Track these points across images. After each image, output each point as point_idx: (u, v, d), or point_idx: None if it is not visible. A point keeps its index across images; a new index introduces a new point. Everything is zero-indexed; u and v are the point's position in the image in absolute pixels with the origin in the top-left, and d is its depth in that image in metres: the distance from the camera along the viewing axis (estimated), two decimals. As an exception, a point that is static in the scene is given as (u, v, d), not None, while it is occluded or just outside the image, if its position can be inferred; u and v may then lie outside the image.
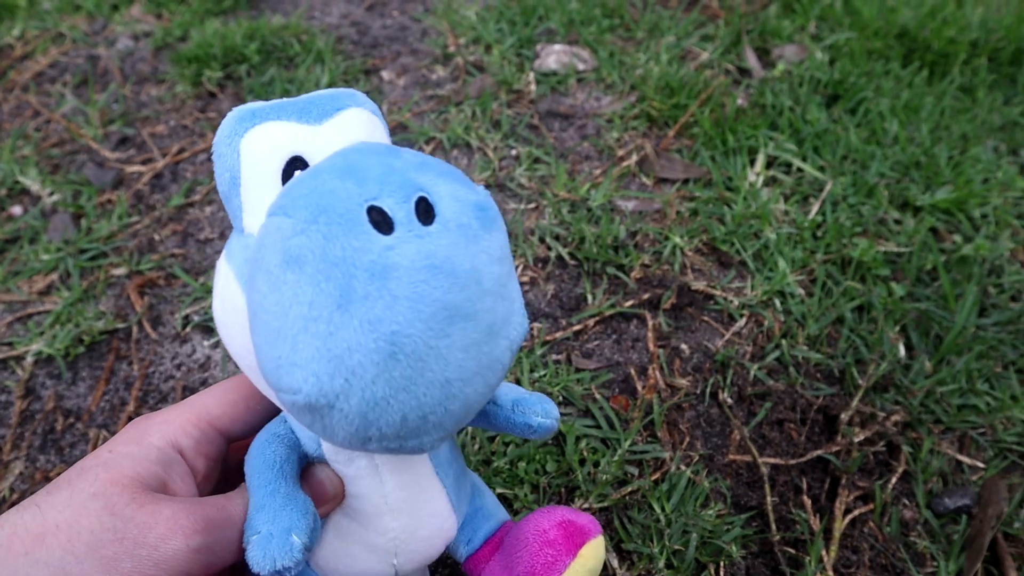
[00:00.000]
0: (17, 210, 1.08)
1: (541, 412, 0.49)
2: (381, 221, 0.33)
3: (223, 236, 1.03)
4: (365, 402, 0.32)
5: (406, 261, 0.33)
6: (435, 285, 0.33)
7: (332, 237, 0.32)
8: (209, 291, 0.94)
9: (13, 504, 0.75)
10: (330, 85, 1.26)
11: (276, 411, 0.46)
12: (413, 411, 0.34)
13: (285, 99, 0.41)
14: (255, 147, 0.39)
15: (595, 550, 0.49)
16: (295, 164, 0.39)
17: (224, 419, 0.44)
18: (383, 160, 0.36)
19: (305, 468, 0.44)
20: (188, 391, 0.85)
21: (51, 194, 1.10)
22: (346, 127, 0.41)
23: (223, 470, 0.46)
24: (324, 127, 0.40)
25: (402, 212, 0.34)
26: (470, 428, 0.77)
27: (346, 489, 0.45)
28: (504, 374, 0.39)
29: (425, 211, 0.34)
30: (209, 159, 1.15)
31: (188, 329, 0.91)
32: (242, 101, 1.24)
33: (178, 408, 0.44)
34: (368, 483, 0.44)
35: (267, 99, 0.42)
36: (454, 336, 0.34)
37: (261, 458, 0.42)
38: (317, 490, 0.43)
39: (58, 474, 0.78)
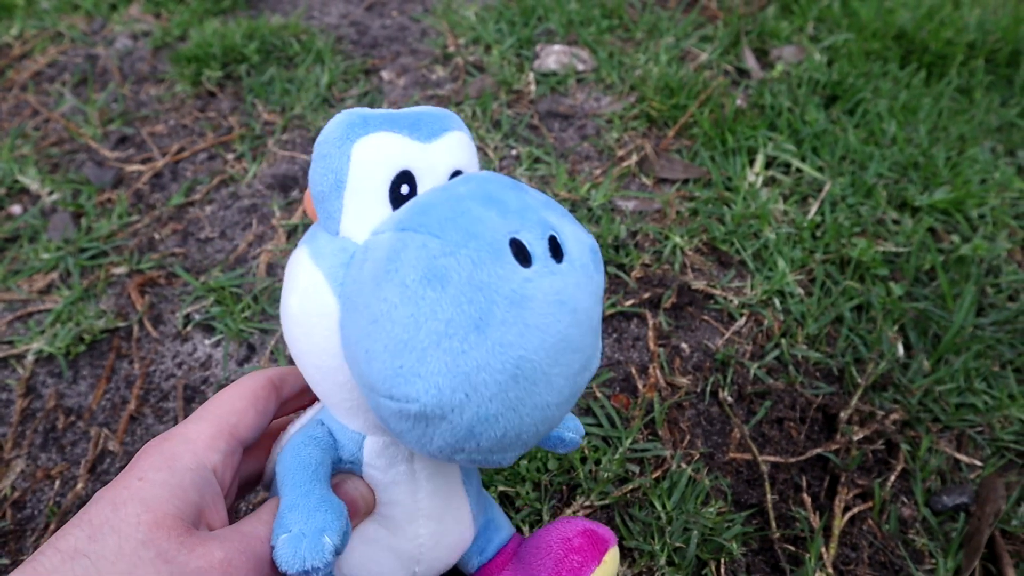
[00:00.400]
0: (17, 209, 1.08)
1: (572, 428, 0.52)
2: (520, 254, 0.35)
3: (223, 235, 1.03)
4: (477, 417, 0.34)
5: (540, 294, 0.35)
6: (560, 319, 0.36)
7: (480, 263, 0.34)
8: (210, 290, 0.94)
9: (15, 503, 0.76)
10: (330, 85, 1.26)
11: (275, 415, 0.47)
12: (513, 429, 0.36)
13: (394, 111, 0.41)
14: (367, 155, 0.39)
15: (615, 557, 0.52)
16: (403, 178, 0.40)
17: (241, 427, 0.44)
18: (519, 195, 0.38)
19: (337, 483, 0.44)
20: (189, 389, 0.85)
21: (51, 193, 1.10)
22: (452, 148, 0.42)
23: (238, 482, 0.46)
24: (433, 146, 0.41)
25: (539, 248, 0.36)
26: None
27: (380, 496, 0.45)
28: (577, 400, 0.41)
29: (555, 249, 0.37)
30: (210, 158, 1.15)
31: (189, 328, 0.91)
32: (242, 100, 1.24)
33: (197, 423, 0.43)
34: (404, 489, 0.45)
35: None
36: (563, 365, 0.36)
37: (296, 460, 0.42)
38: (350, 506, 0.43)
39: (59, 473, 0.78)
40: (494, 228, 0.35)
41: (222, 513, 0.41)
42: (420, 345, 0.33)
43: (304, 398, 0.49)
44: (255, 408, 0.45)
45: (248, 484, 0.49)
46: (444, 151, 0.41)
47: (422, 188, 0.40)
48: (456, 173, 0.42)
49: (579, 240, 0.38)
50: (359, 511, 0.44)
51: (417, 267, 0.34)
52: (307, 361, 0.41)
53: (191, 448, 0.41)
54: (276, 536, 0.38)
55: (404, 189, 0.40)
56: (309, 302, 0.40)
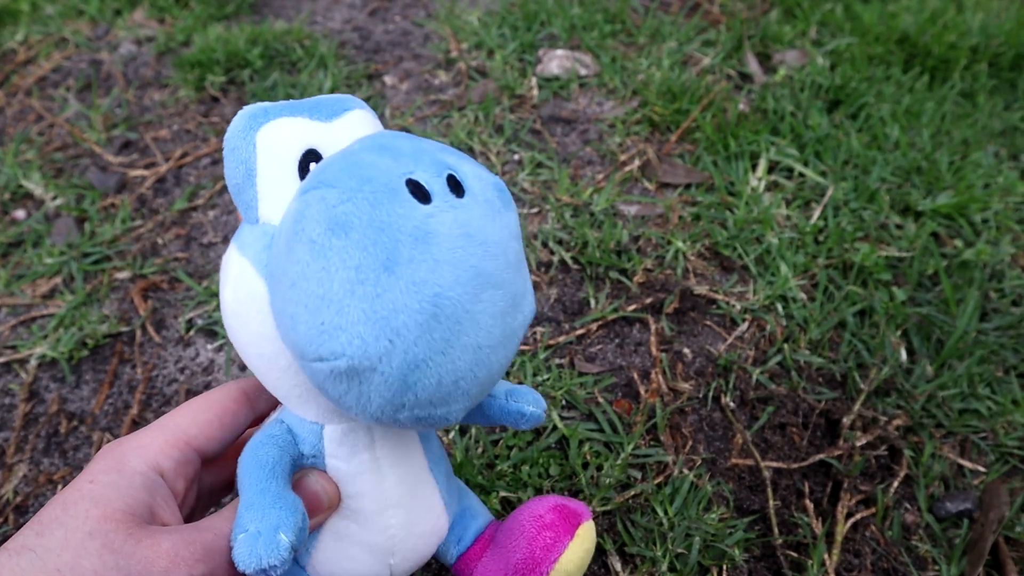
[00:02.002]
0: (21, 214, 1.08)
1: (532, 402, 0.51)
2: (418, 192, 0.35)
3: (226, 240, 1.03)
4: (406, 364, 0.34)
5: (445, 228, 0.35)
6: (471, 252, 0.35)
7: (378, 204, 0.34)
8: (213, 295, 0.94)
9: (17, 507, 0.76)
10: (333, 90, 1.26)
11: (247, 427, 0.47)
12: (448, 375, 0.35)
13: (292, 100, 0.42)
14: (272, 140, 0.40)
15: (590, 531, 0.51)
16: (310, 156, 0.41)
17: (200, 438, 0.44)
18: (412, 142, 0.38)
19: (298, 479, 0.44)
20: (192, 394, 0.85)
21: (54, 198, 1.10)
22: (354, 125, 0.43)
23: (197, 490, 0.46)
24: (335, 124, 0.42)
25: (437, 185, 0.36)
26: (473, 431, 0.78)
27: (346, 489, 0.45)
28: (517, 348, 0.41)
29: (455, 186, 0.37)
30: (213, 163, 1.15)
31: (192, 332, 0.92)
32: (245, 105, 1.24)
33: (153, 431, 0.43)
34: (369, 479, 0.45)
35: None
36: (485, 303, 0.36)
37: (253, 458, 0.42)
38: (312, 500, 0.43)
39: (62, 477, 0.79)
40: (388, 171, 0.35)
41: (176, 514, 0.41)
42: (336, 297, 0.33)
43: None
44: (221, 421, 0.45)
45: (216, 493, 0.50)
46: (347, 128, 0.42)
47: None
48: None
49: (480, 177, 0.38)
50: (322, 505, 0.44)
51: (319, 220, 0.34)
52: (249, 352, 0.42)
53: (142, 453, 0.41)
54: (235, 536, 0.38)
55: (312, 168, 0.40)
56: (240, 290, 0.40)
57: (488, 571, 0.52)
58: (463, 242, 0.35)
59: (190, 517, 0.45)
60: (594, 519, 0.72)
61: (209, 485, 0.48)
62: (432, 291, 0.34)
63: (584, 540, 0.50)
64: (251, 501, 0.39)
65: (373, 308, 0.33)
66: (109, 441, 0.81)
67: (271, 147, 0.40)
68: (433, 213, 0.35)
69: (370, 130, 0.43)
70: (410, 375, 0.34)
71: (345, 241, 0.33)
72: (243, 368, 0.87)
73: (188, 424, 0.44)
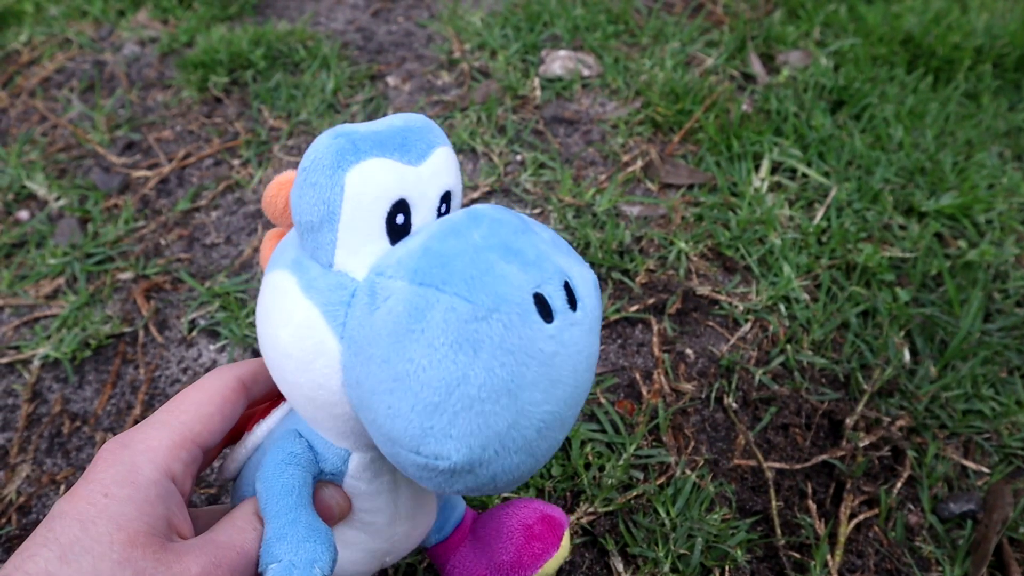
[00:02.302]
0: (24, 215, 1.09)
1: None
2: (543, 309, 0.35)
3: (229, 241, 1.03)
4: (502, 468, 0.35)
5: (564, 350, 0.36)
6: (583, 369, 0.37)
7: (511, 327, 0.34)
8: (215, 295, 0.94)
9: (20, 507, 0.76)
10: (336, 91, 1.26)
11: (240, 417, 0.46)
12: (528, 470, 0.37)
13: (379, 126, 0.39)
14: (362, 187, 0.37)
15: (568, 538, 0.58)
16: (398, 207, 0.39)
17: (204, 434, 0.43)
18: (532, 242, 0.37)
19: (314, 490, 0.44)
20: (194, 395, 0.85)
21: (58, 199, 1.10)
22: (441, 170, 0.41)
23: None
24: (423, 168, 0.40)
25: (559, 300, 0.36)
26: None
27: (362, 505, 0.45)
28: None
29: (570, 296, 0.37)
30: (216, 164, 1.16)
31: (194, 333, 0.92)
32: (248, 106, 1.25)
33: (158, 428, 0.42)
34: (386, 498, 0.46)
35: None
36: (577, 407, 0.38)
37: (279, 482, 0.41)
38: (324, 513, 0.43)
39: (65, 478, 0.79)
40: (519, 287, 0.35)
41: (187, 519, 0.41)
42: (452, 408, 0.33)
43: (272, 396, 0.48)
44: (221, 413, 0.44)
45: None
46: (434, 173, 0.40)
47: (416, 216, 0.39)
48: (446, 194, 0.41)
49: (586, 280, 0.39)
50: (333, 518, 0.44)
51: (447, 331, 0.33)
52: (299, 393, 0.40)
53: (152, 458, 0.40)
54: (265, 565, 0.38)
55: (399, 219, 0.38)
56: (305, 339, 0.38)
57: (468, 562, 0.56)
58: (577, 360, 0.36)
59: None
60: (596, 519, 0.72)
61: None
62: (545, 409, 0.35)
63: (565, 548, 0.56)
64: (282, 532, 0.39)
65: (489, 424, 0.34)
66: (111, 441, 0.81)
67: (361, 194, 0.37)
68: (555, 335, 0.35)
69: (454, 174, 0.42)
70: (500, 476, 0.35)
71: (473, 359, 0.33)
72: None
73: (193, 421, 0.43)
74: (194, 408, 0.43)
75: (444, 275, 0.35)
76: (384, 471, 0.44)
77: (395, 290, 0.35)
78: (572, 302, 0.37)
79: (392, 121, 0.40)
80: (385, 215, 0.38)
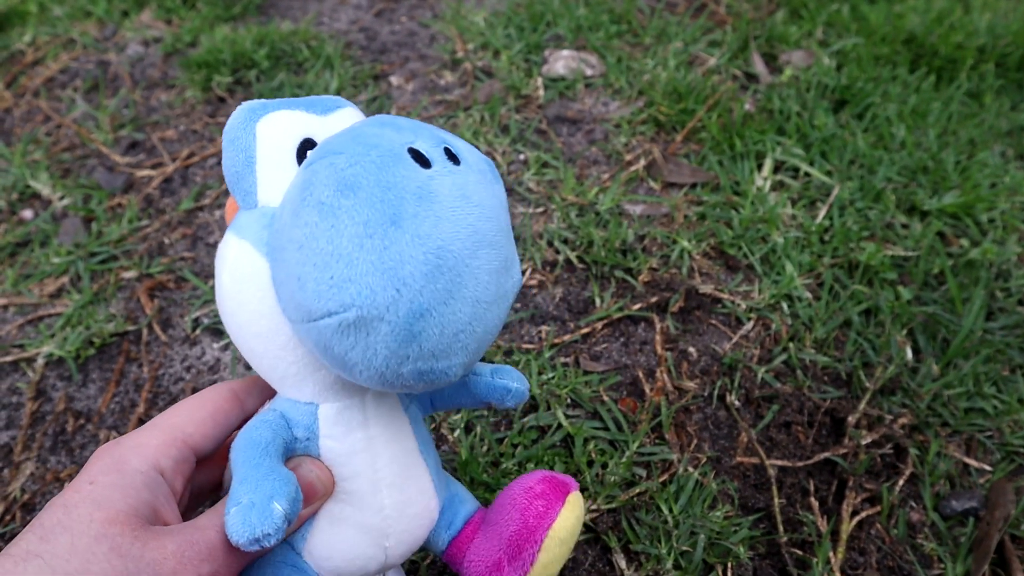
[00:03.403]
0: (28, 214, 1.09)
1: (516, 379, 0.53)
2: (419, 159, 0.38)
3: (232, 239, 1.04)
4: (412, 312, 0.36)
5: (444, 189, 0.37)
6: (468, 212, 0.38)
7: (384, 166, 0.36)
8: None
9: (24, 505, 0.76)
10: (339, 90, 1.26)
11: (237, 427, 0.47)
12: (450, 325, 0.37)
13: (288, 98, 0.45)
14: (272, 129, 0.43)
15: (579, 499, 0.53)
16: (307, 145, 0.43)
17: (196, 437, 0.44)
18: (410, 120, 0.41)
19: (292, 468, 0.44)
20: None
21: (62, 198, 1.10)
22: (347, 121, 0.45)
23: (190, 490, 0.46)
24: (329, 118, 0.45)
25: (436, 154, 0.39)
26: (478, 429, 0.78)
27: (340, 471, 0.46)
28: (509, 312, 0.44)
29: (452, 156, 0.39)
30: (219, 163, 1.16)
31: (198, 331, 0.92)
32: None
33: (150, 430, 0.43)
34: (363, 458, 0.46)
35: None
36: (482, 259, 0.39)
37: (247, 439, 0.42)
38: (307, 489, 0.44)
39: (68, 476, 0.79)
40: (391, 140, 0.38)
41: (176, 513, 0.41)
42: (345, 251, 0.35)
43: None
44: (214, 420, 0.45)
45: (203, 494, 0.50)
46: (341, 122, 0.45)
47: None
48: None
49: (472, 152, 0.41)
50: (317, 493, 0.45)
51: (328, 183, 0.36)
52: (246, 333, 0.43)
53: (141, 452, 0.41)
54: (228, 510, 0.38)
55: (310, 155, 0.42)
56: (238, 270, 0.42)
57: (481, 551, 0.53)
58: (461, 203, 0.38)
59: (183, 517, 0.45)
60: (599, 517, 0.72)
61: (199, 485, 0.49)
62: (436, 244, 0.36)
63: (574, 507, 0.52)
64: (244, 475, 0.40)
65: (381, 259, 0.35)
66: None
67: (271, 135, 0.42)
68: (433, 176, 0.37)
69: None
70: (415, 324, 0.36)
71: (354, 200, 0.35)
72: (248, 368, 0.88)
73: (184, 423, 0.44)
74: (186, 413, 0.45)
75: (327, 148, 0.39)
76: (355, 426, 0.46)
77: (293, 183, 0.39)
78: (454, 161, 0.39)
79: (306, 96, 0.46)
80: (295, 150, 0.43)
